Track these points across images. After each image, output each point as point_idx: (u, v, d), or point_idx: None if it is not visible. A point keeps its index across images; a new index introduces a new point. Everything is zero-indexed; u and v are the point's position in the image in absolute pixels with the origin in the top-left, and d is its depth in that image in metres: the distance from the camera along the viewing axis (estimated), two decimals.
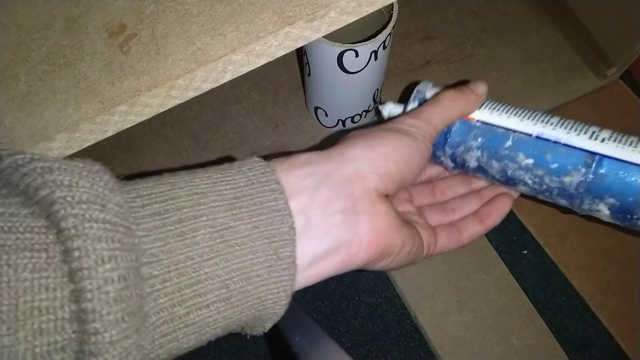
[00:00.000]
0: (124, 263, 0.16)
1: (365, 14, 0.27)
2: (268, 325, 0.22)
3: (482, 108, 0.31)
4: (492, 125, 0.31)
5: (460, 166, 0.32)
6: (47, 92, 0.27)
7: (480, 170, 0.32)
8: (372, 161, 0.24)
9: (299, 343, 0.32)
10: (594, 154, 0.28)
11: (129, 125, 0.27)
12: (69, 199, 0.16)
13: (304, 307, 0.35)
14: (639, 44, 0.43)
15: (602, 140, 0.28)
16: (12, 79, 0.28)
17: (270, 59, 0.28)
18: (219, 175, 0.21)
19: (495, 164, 0.31)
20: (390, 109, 0.34)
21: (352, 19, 0.27)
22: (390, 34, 0.36)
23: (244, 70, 0.27)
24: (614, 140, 0.28)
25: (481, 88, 0.30)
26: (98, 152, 0.48)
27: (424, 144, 0.26)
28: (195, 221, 0.19)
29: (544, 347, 0.39)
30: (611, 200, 0.28)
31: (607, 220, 0.29)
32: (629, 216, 0.28)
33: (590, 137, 0.29)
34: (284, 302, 0.21)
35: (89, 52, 0.28)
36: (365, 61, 0.36)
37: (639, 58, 0.45)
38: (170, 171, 0.22)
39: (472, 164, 0.32)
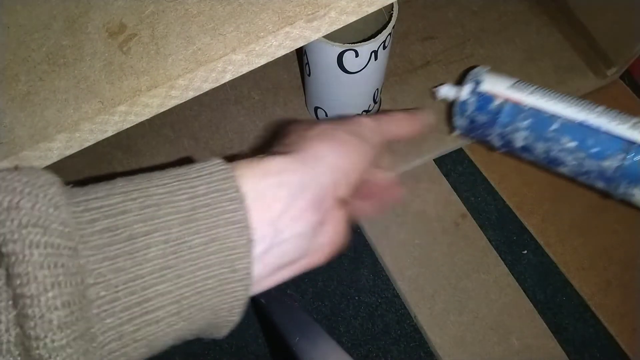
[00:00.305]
0: (68, 289, 0.16)
1: (365, 14, 0.27)
2: (224, 332, 0.22)
3: (532, 93, 0.35)
4: (541, 109, 0.34)
5: (507, 145, 0.36)
6: (47, 92, 0.27)
7: (526, 149, 0.35)
8: (346, 171, 0.25)
9: (299, 343, 0.32)
10: (631, 142, 0.30)
11: (129, 125, 0.27)
12: (8, 223, 0.16)
13: (304, 307, 0.35)
14: (639, 44, 0.43)
15: None
16: (12, 79, 0.28)
17: (270, 59, 0.28)
18: (175, 183, 0.20)
19: (540, 144, 0.34)
20: (445, 90, 0.38)
21: (352, 19, 0.27)
22: (390, 34, 0.36)
23: (244, 70, 0.27)
24: None
25: (428, 118, 0.32)
26: (98, 152, 0.48)
27: (374, 153, 0.27)
28: (147, 238, 0.18)
29: (544, 347, 0.39)
30: None
31: (639, 205, 0.32)
32: None
33: (631, 127, 0.31)
34: (237, 310, 0.21)
35: (89, 52, 0.28)
36: (365, 61, 0.36)
37: (639, 58, 0.45)
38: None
39: (519, 143, 0.35)
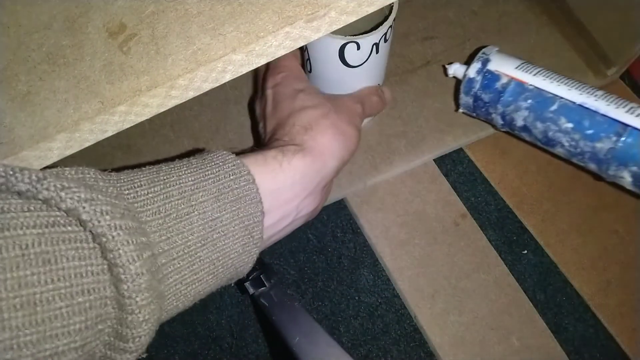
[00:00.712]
0: (147, 260, 0.20)
1: (366, 13, 0.27)
2: (234, 280, 0.28)
3: (536, 74, 0.36)
4: (543, 90, 0.35)
5: (508, 124, 0.38)
6: (47, 92, 0.27)
7: (525, 129, 0.37)
8: (345, 159, 0.32)
9: (299, 343, 0.32)
10: (626, 125, 0.31)
11: (129, 125, 0.27)
12: (91, 212, 0.19)
13: (304, 307, 0.35)
14: (639, 44, 0.43)
15: (638, 115, 0.32)
16: (12, 79, 0.28)
17: (270, 59, 0.28)
18: (200, 171, 0.25)
19: (539, 124, 0.35)
20: (455, 68, 0.40)
21: (352, 18, 0.27)
22: (391, 26, 0.36)
23: (244, 70, 0.27)
24: None
25: (388, 94, 0.43)
26: (98, 152, 0.48)
27: (360, 135, 0.35)
28: (189, 216, 0.23)
29: (544, 347, 0.39)
30: (634, 169, 0.32)
31: (629, 187, 0.33)
32: None
33: (627, 111, 0.32)
34: (250, 265, 0.27)
35: (89, 52, 0.28)
36: (367, 54, 0.36)
37: (639, 58, 0.45)
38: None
39: (519, 123, 0.36)
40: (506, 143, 0.46)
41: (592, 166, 0.34)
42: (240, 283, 0.35)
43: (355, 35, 0.35)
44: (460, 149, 0.47)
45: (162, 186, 0.23)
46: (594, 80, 0.47)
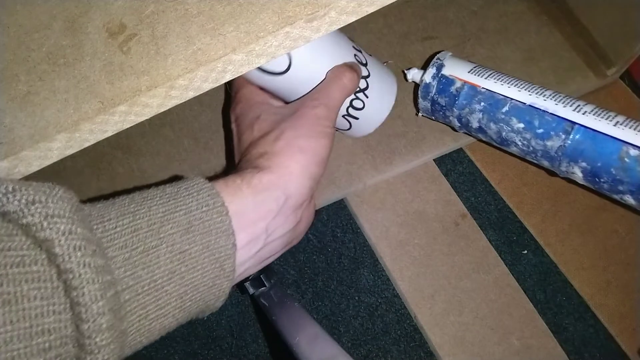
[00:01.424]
0: (110, 298, 0.20)
1: (365, 13, 0.27)
2: (206, 314, 0.28)
3: (488, 77, 0.37)
4: (494, 92, 0.36)
5: (465, 126, 0.39)
6: (47, 92, 0.27)
7: (481, 130, 0.38)
8: (315, 174, 0.31)
9: (299, 343, 0.32)
10: (573, 123, 0.33)
11: (129, 125, 0.27)
12: (65, 247, 0.19)
13: (304, 307, 0.35)
14: (639, 44, 0.43)
15: (584, 113, 0.33)
16: (12, 79, 0.28)
17: (270, 59, 0.28)
18: (172, 202, 0.25)
19: (493, 125, 0.37)
20: (413, 73, 0.42)
21: (352, 18, 0.27)
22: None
23: (244, 70, 0.27)
24: (594, 114, 0.33)
25: (355, 67, 0.37)
26: (98, 152, 0.48)
27: (332, 135, 0.33)
28: (156, 250, 0.23)
29: (544, 347, 0.39)
30: (584, 164, 0.33)
31: (581, 182, 0.35)
32: (597, 179, 0.33)
33: (574, 110, 0.34)
34: (222, 299, 0.27)
35: (89, 52, 0.28)
36: (284, 58, 0.33)
37: (639, 58, 0.45)
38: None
39: (475, 124, 0.38)
40: None
41: (545, 163, 0.36)
42: (240, 283, 0.35)
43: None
44: (460, 149, 0.47)
45: (130, 218, 0.23)
46: (594, 80, 0.47)
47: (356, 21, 0.28)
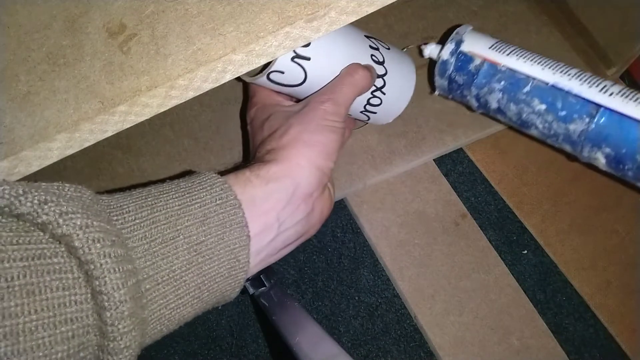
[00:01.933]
0: (131, 287, 0.21)
1: (365, 13, 0.27)
2: (221, 304, 0.28)
3: (510, 54, 0.35)
4: (516, 71, 0.34)
5: (483, 106, 0.37)
6: (47, 92, 0.27)
7: (499, 111, 0.36)
8: (324, 167, 0.31)
9: (299, 343, 0.32)
10: (599, 106, 0.31)
11: (129, 125, 0.27)
12: (84, 240, 0.20)
13: (304, 307, 0.35)
14: (639, 44, 0.43)
15: (611, 94, 0.31)
16: (12, 79, 0.28)
17: (270, 58, 0.28)
18: (187, 195, 0.26)
19: (513, 106, 0.35)
20: (431, 49, 0.39)
21: (352, 18, 0.27)
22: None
23: (244, 70, 0.27)
24: (621, 95, 0.31)
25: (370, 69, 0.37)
26: (98, 152, 0.48)
27: (342, 133, 0.33)
28: (174, 241, 0.24)
29: (544, 347, 0.39)
30: (607, 150, 0.31)
31: (603, 168, 0.33)
32: (621, 166, 0.31)
33: (600, 90, 0.32)
34: (238, 289, 0.28)
35: (89, 52, 0.28)
36: (300, 73, 0.33)
37: (639, 58, 0.45)
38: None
39: (493, 105, 0.36)
40: (506, 143, 0.46)
41: (567, 147, 0.34)
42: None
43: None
44: (460, 149, 0.47)
45: (149, 211, 0.24)
46: None
47: (356, 21, 0.28)
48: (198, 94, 0.28)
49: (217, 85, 0.28)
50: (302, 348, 0.32)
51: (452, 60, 0.37)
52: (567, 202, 0.44)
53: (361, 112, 0.40)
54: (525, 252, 0.43)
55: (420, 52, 0.40)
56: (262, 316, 0.42)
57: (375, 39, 0.39)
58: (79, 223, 0.20)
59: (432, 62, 0.40)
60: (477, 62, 0.36)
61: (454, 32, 0.38)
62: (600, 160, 0.32)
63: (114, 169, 0.48)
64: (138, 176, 0.47)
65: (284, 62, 0.32)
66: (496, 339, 0.39)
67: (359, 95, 0.35)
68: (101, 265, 0.20)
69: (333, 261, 0.44)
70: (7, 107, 0.27)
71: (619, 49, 0.45)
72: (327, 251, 0.44)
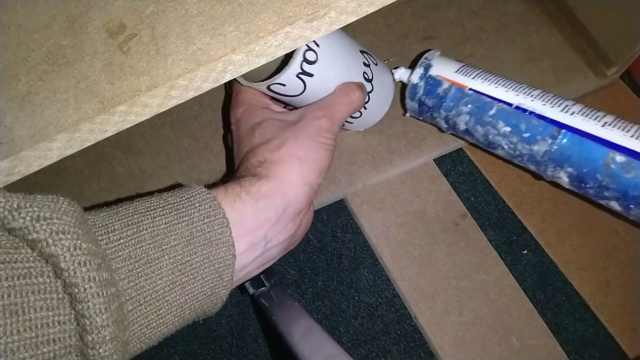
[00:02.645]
0: (114, 311, 0.21)
1: (366, 13, 0.27)
2: (202, 318, 0.28)
3: (475, 77, 0.37)
4: (482, 93, 0.36)
5: (452, 127, 0.39)
6: (47, 92, 0.27)
7: (467, 132, 0.38)
8: (314, 184, 0.31)
9: (299, 343, 0.32)
10: (561, 127, 0.33)
11: (129, 125, 0.27)
12: (71, 262, 0.20)
13: (304, 307, 0.35)
14: (639, 44, 0.43)
15: (572, 114, 0.33)
16: (12, 79, 0.28)
17: (270, 59, 0.28)
18: (174, 213, 0.25)
19: (479, 128, 0.37)
20: (400, 73, 0.41)
21: (352, 18, 0.27)
22: (310, 49, 0.32)
23: (244, 70, 0.27)
24: (582, 114, 0.33)
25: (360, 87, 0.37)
26: (98, 152, 0.48)
27: (334, 149, 0.33)
28: (159, 261, 0.24)
29: (544, 347, 0.39)
30: (570, 170, 0.33)
31: (566, 186, 0.35)
32: (583, 184, 0.33)
33: (562, 110, 0.33)
34: (219, 306, 0.28)
35: (89, 52, 0.28)
36: (299, 85, 0.33)
37: (639, 58, 0.45)
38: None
39: (462, 127, 0.38)
40: None
41: (532, 167, 0.35)
42: (240, 283, 0.35)
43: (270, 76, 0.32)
44: (460, 149, 0.47)
45: (134, 229, 0.24)
46: (594, 80, 0.47)
47: (356, 21, 0.28)
48: (198, 94, 0.28)
49: (217, 85, 0.28)
50: (302, 348, 0.32)
51: (422, 84, 0.39)
52: (567, 202, 0.44)
53: None
54: (525, 252, 0.43)
55: (393, 75, 0.42)
56: (262, 316, 0.42)
57: (367, 53, 0.40)
58: (67, 244, 0.20)
59: (403, 85, 0.42)
60: (446, 85, 0.38)
61: (423, 57, 0.39)
62: (564, 179, 0.34)
63: (114, 169, 0.48)
64: (138, 176, 0.47)
65: (288, 76, 0.32)
66: (496, 339, 0.39)
67: (353, 113, 0.36)
68: (85, 289, 0.20)
69: (333, 261, 0.44)
70: (7, 107, 0.27)
71: (619, 49, 0.45)
72: (327, 251, 0.44)
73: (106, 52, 0.28)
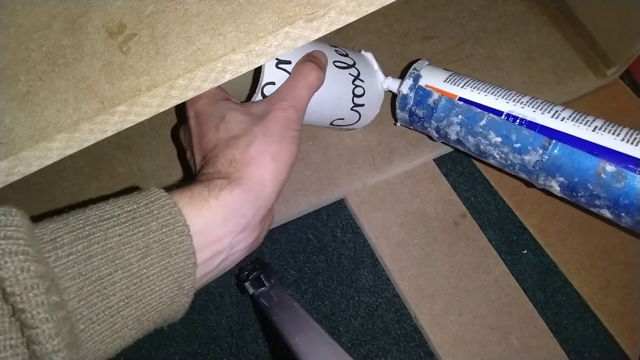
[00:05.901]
0: (66, 334, 0.20)
1: (365, 13, 0.27)
2: (166, 324, 0.27)
3: (464, 86, 0.37)
4: (472, 103, 0.36)
5: (443, 137, 0.39)
6: (47, 92, 0.27)
7: (459, 142, 0.38)
8: (284, 179, 0.30)
9: (299, 343, 0.32)
10: (552, 137, 0.33)
11: (128, 125, 0.27)
12: (20, 286, 0.20)
13: (304, 307, 0.35)
14: (639, 44, 0.43)
15: (562, 119, 0.33)
16: (12, 79, 0.28)
17: (270, 59, 0.28)
18: (130, 223, 0.24)
19: (470, 139, 0.37)
20: (389, 83, 0.41)
21: (352, 18, 0.27)
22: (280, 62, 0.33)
23: (244, 70, 0.27)
24: (572, 120, 0.33)
25: (322, 58, 0.35)
26: (98, 152, 0.48)
27: (299, 136, 0.32)
28: (111, 276, 0.23)
29: (544, 347, 0.39)
30: (561, 179, 0.33)
31: (558, 195, 0.35)
32: (574, 193, 0.33)
33: (552, 116, 0.33)
34: (181, 314, 0.26)
35: (89, 52, 0.28)
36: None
37: (639, 58, 0.45)
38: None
39: (453, 137, 0.38)
40: None
41: (524, 176, 0.35)
42: (240, 283, 0.35)
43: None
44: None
45: (85, 244, 0.22)
46: (594, 80, 0.47)
47: (356, 21, 0.28)
48: (198, 94, 0.28)
49: (217, 85, 0.28)
50: (302, 348, 0.32)
51: (412, 94, 0.39)
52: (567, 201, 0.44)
53: (352, 108, 0.40)
54: (525, 252, 0.43)
55: (382, 85, 0.42)
56: (262, 316, 0.42)
57: (337, 47, 0.40)
58: (12, 268, 0.19)
59: (393, 95, 0.42)
60: (435, 96, 0.37)
61: (412, 68, 0.39)
62: (555, 187, 0.34)
63: (114, 169, 0.48)
64: (138, 176, 0.47)
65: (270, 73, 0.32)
66: (496, 339, 0.39)
67: (312, 96, 0.34)
68: (33, 315, 0.19)
69: (333, 261, 0.44)
70: (7, 107, 0.27)
71: (619, 49, 0.45)
72: (327, 251, 0.44)
73: (106, 52, 0.28)
